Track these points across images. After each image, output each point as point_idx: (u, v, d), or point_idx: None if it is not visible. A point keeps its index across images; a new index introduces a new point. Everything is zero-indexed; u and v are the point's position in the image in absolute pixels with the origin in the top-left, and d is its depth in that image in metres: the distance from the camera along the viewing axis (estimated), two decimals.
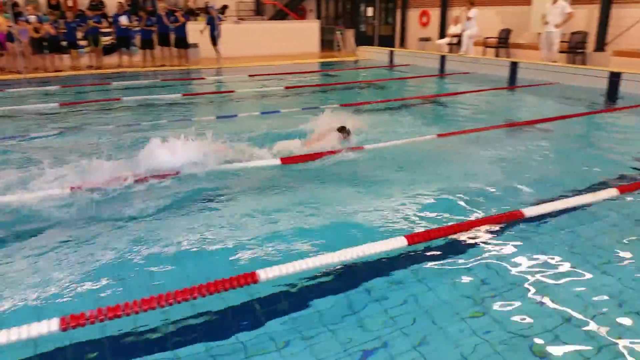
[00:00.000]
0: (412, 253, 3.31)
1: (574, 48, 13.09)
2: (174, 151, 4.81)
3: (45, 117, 8.02)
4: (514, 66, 12.09)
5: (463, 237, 3.51)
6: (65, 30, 14.03)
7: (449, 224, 3.71)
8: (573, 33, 13.15)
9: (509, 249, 3.37)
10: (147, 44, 14.91)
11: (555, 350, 2.37)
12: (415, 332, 2.51)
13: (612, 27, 12.71)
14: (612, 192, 4.04)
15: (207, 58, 16.11)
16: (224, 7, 20.20)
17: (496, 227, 3.63)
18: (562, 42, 12.56)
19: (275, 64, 15.42)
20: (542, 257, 3.25)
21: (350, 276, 3.10)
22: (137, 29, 14.83)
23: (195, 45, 16.08)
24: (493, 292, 2.86)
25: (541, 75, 11.21)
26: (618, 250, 3.37)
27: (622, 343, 2.41)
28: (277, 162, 5.12)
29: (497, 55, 15.21)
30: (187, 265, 3.22)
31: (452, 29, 16.03)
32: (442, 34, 17.62)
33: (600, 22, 12.81)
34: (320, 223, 3.79)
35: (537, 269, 3.10)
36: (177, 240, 3.49)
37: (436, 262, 3.23)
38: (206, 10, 16.63)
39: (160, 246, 3.41)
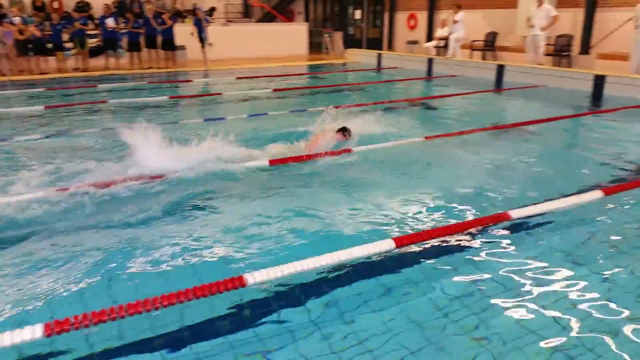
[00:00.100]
0: (400, 255, 3.32)
1: (560, 51, 13.23)
2: (159, 154, 4.78)
3: (30, 120, 7.92)
4: (500, 69, 12.20)
5: (450, 239, 3.52)
6: (50, 32, 13.88)
7: (436, 226, 3.72)
8: (558, 36, 13.30)
9: (495, 250, 3.39)
10: (134, 46, 14.80)
11: (545, 351, 2.39)
12: (403, 334, 2.51)
13: (597, 30, 12.88)
14: (596, 194, 4.08)
15: (194, 60, 16.04)
16: (212, 10, 20.13)
17: (483, 229, 3.65)
18: (547, 45, 12.70)
19: (263, 66, 15.40)
20: (528, 259, 3.27)
21: (338, 279, 3.09)
22: (124, 31, 14.72)
23: (182, 48, 16.01)
24: (479, 293, 2.88)
25: (527, 77, 11.32)
26: (603, 252, 3.41)
27: (609, 343, 2.43)
28: (265, 163, 5.10)
29: (483, 58, 15.32)
30: (173, 269, 3.19)
31: (440, 32, 16.13)
32: (430, 37, 17.72)
33: (584, 25, 12.97)
34: (307, 226, 3.78)
35: (524, 270, 3.12)
36: (162, 244, 3.45)
37: (423, 264, 3.24)
38: (193, 12, 16.56)
39: (146, 250, 3.37)
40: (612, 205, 4.17)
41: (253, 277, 2.67)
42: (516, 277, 3.04)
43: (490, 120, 7.84)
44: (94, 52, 14.98)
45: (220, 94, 10.74)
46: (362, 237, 3.56)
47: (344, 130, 5.66)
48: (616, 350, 2.39)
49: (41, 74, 13.54)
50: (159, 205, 4.12)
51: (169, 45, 15.03)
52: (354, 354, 2.37)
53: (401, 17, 20.10)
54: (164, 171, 4.64)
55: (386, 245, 3.13)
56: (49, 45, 14.07)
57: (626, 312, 2.68)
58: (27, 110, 8.62)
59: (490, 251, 3.38)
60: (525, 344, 2.43)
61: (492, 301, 2.80)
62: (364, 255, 3.06)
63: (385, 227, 3.76)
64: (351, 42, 20.28)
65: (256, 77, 13.09)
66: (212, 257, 3.33)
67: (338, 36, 20.46)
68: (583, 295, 2.86)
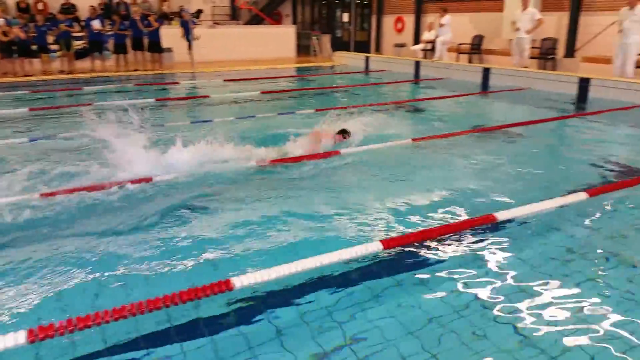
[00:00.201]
0: (388, 257, 3.32)
1: (545, 54, 13.38)
2: (146, 157, 4.75)
3: (14, 123, 7.82)
4: (486, 72, 12.30)
5: (437, 240, 3.54)
6: (35, 34, 13.72)
7: (424, 228, 3.74)
8: (543, 39, 13.45)
9: (481, 252, 3.41)
10: (120, 49, 14.69)
11: (534, 353, 2.40)
12: (391, 336, 2.51)
13: (581, 34, 13.05)
14: (581, 195, 4.12)
15: (181, 62, 15.96)
16: (199, 12, 20.06)
17: (469, 231, 3.68)
18: (533, 48, 12.82)
19: (251, 68, 15.36)
20: (515, 260, 3.30)
21: (326, 281, 3.09)
22: (110, 33, 14.60)
23: (169, 50, 15.92)
24: (466, 295, 2.89)
25: (513, 80, 11.42)
26: (589, 253, 3.44)
27: (598, 346, 2.46)
28: (253, 164, 5.08)
29: (470, 61, 15.45)
30: (159, 273, 3.16)
31: (426, 35, 16.23)
32: (417, 40, 17.82)
33: (569, 29, 13.14)
34: (294, 229, 3.77)
35: (510, 273, 3.14)
36: (148, 247, 3.43)
37: (410, 266, 3.25)
38: (179, 14, 16.48)
39: (132, 253, 3.34)
40: (597, 206, 4.21)
41: (240, 281, 2.65)
42: (502, 279, 3.06)
43: (476, 123, 7.89)
44: (80, 54, 14.85)
45: (207, 96, 10.68)
46: (349, 239, 3.56)
47: (344, 132, 5.67)
48: (614, 353, 2.41)
49: (25, 76, 13.38)
50: (145, 209, 4.09)
51: (156, 47, 14.94)
52: (344, 356, 2.37)
53: (388, 20, 20.20)
54: (150, 174, 4.60)
55: (374, 247, 3.13)
56: (34, 47, 13.92)
57: (617, 315, 2.70)
58: (12, 113, 8.50)
59: (477, 253, 3.40)
60: (514, 347, 2.45)
61: (480, 302, 2.81)
62: (351, 257, 3.06)
63: (373, 230, 3.77)
64: (339, 45, 20.33)
65: (244, 79, 13.06)
66: (199, 261, 3.30)
67: (326, 39, 20.50)
68: (571, 297, 2.88)
